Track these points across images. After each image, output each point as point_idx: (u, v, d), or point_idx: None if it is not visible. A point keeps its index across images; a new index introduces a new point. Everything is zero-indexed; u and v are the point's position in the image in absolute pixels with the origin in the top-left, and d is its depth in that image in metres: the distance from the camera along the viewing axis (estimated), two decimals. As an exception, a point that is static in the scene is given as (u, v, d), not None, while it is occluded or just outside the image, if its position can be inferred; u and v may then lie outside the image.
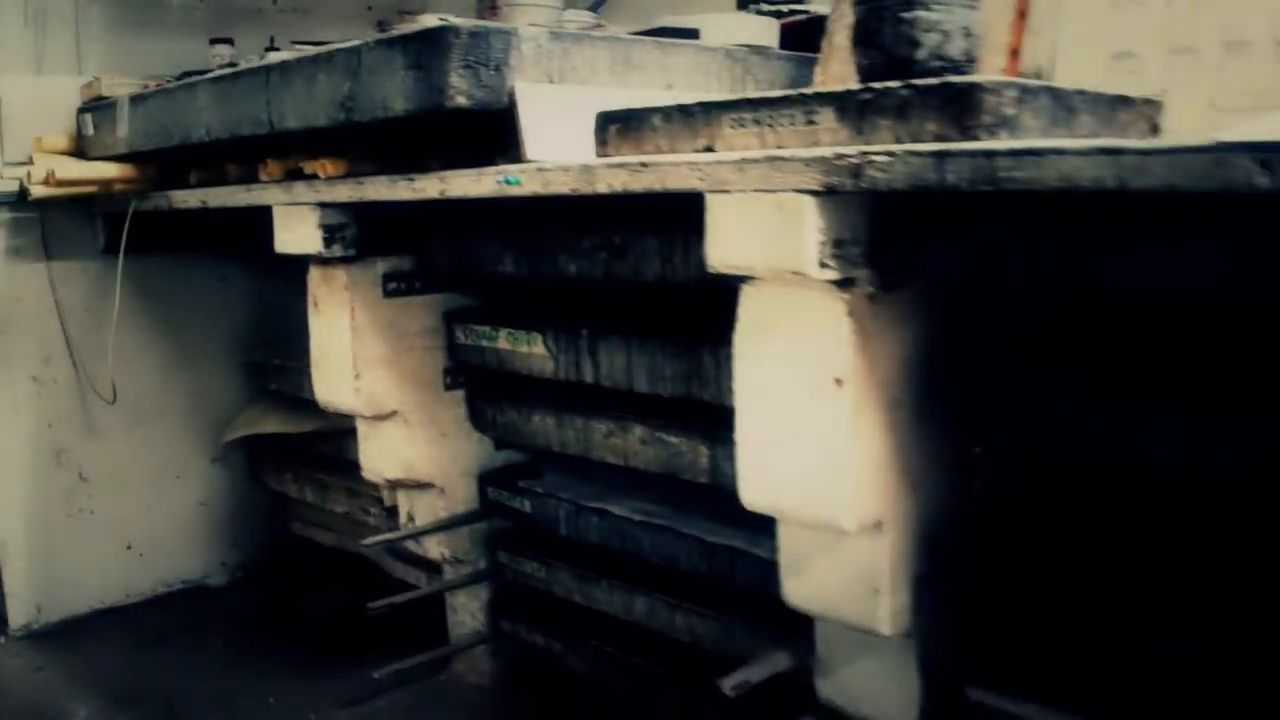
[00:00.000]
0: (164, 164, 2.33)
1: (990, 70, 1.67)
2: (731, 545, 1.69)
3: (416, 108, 1.60)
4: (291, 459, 2.69)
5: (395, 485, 2.12)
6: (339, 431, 2.47)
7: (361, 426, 2.10)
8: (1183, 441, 1.18)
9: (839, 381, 1.27)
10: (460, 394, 2.11)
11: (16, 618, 2.54)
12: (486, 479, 2.12)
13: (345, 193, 1.85)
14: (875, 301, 1.29)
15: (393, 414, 2.04)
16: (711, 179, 1.30)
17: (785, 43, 1.98)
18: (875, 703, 1.49)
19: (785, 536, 1.44)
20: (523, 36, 1.60)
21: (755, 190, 1.26)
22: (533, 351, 1.89)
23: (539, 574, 2.03)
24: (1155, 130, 1.43)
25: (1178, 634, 1.21)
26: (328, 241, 1.93)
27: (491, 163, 1.62)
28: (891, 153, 1.13)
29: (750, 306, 1.34)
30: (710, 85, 1.81)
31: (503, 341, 1.95)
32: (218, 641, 2.48)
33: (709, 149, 1.39)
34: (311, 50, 1.84)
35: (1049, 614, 1.32)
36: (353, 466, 2.20)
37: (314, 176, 1.90)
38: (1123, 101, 1.35)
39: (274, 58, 1.95)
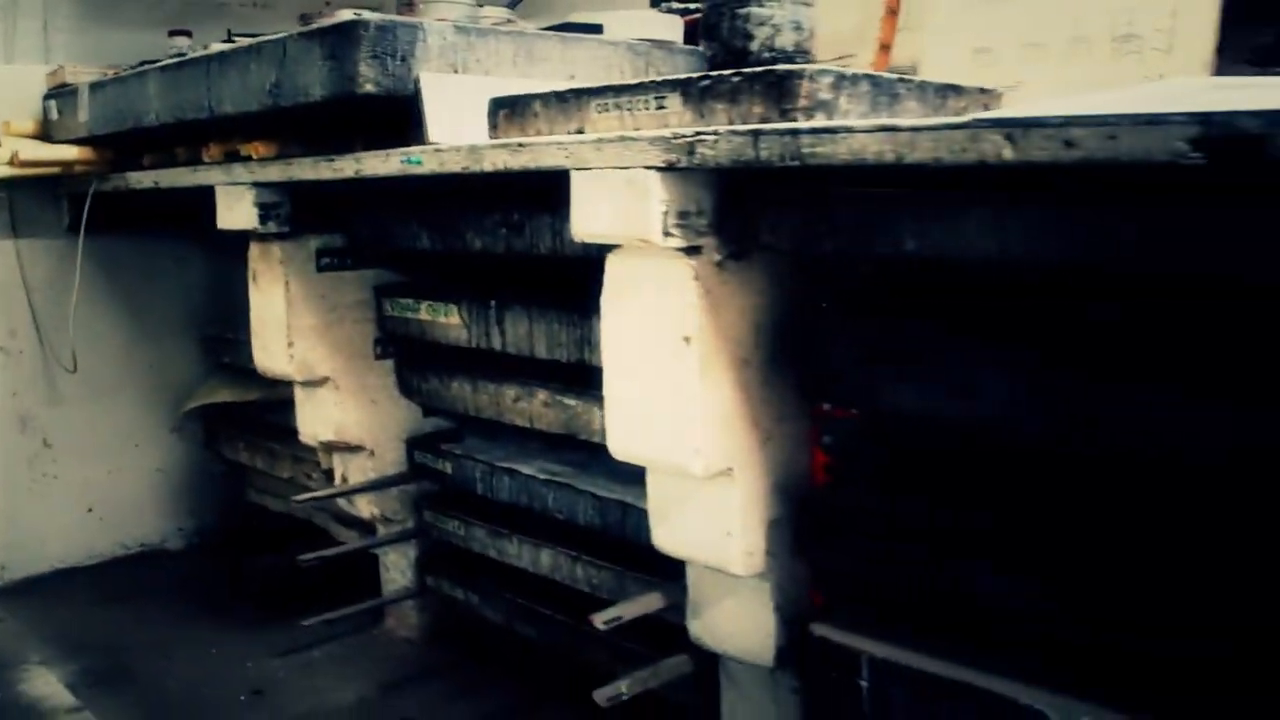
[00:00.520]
0: (121, 147, 2.48)
1: (858, 64, 1.81)
2: (622, 500, 1.83)
3: (332, 94, 1.75)
4: (244, 429, 2.84)
5: (329, 448, 2.27)
6: (286, 402, 2.60)
7: (298, 393, 2.25)
8: (995, 399, 1.31)
9: (687, 340, 1.41)
10: (390, 363, 2.26)
11: (-19, 575, 2.70)
12: (414, 443, 2.26)
13: (276, 172, 2.00)
14: (723, 268, 1.43)
15: (325, 380, 2.19)
16: (575, 157, 1.44)
17: (689, 38, 2.12)
18: (737, 640, 1.62)
19: (652, 485, 1.58)
20: (428, 30, 1.74)
21: (611, 167, 1.40)
22: (449, 322, 2.03)
23: (459, 532, 2.18)
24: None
25: (991, 576, 1.34)
26: (263, 219, 2.08)
27: (404, 144, 1.77)
28: (717, 132, 1.27)
29: (613, 273, 1.48)
30: (612, 76, 1.95)
31: (424, 313, 2.09)
32: (169, 600, 2.63)
33: (580, 131, 1.53)
34: (245, 42, 1.98)
35: (885, 559, 1.45)
36: (298, 435, 2.34)
37: (249, 158, 2.04)
38: (953, 89, 1.49)
39: (214, 48, 2.09)
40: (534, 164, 1.51)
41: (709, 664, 1.72)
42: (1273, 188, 0.97)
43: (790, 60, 1.36)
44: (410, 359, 2.22)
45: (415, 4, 1.91)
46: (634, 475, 1.61)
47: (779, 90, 1.28)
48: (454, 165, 1.63)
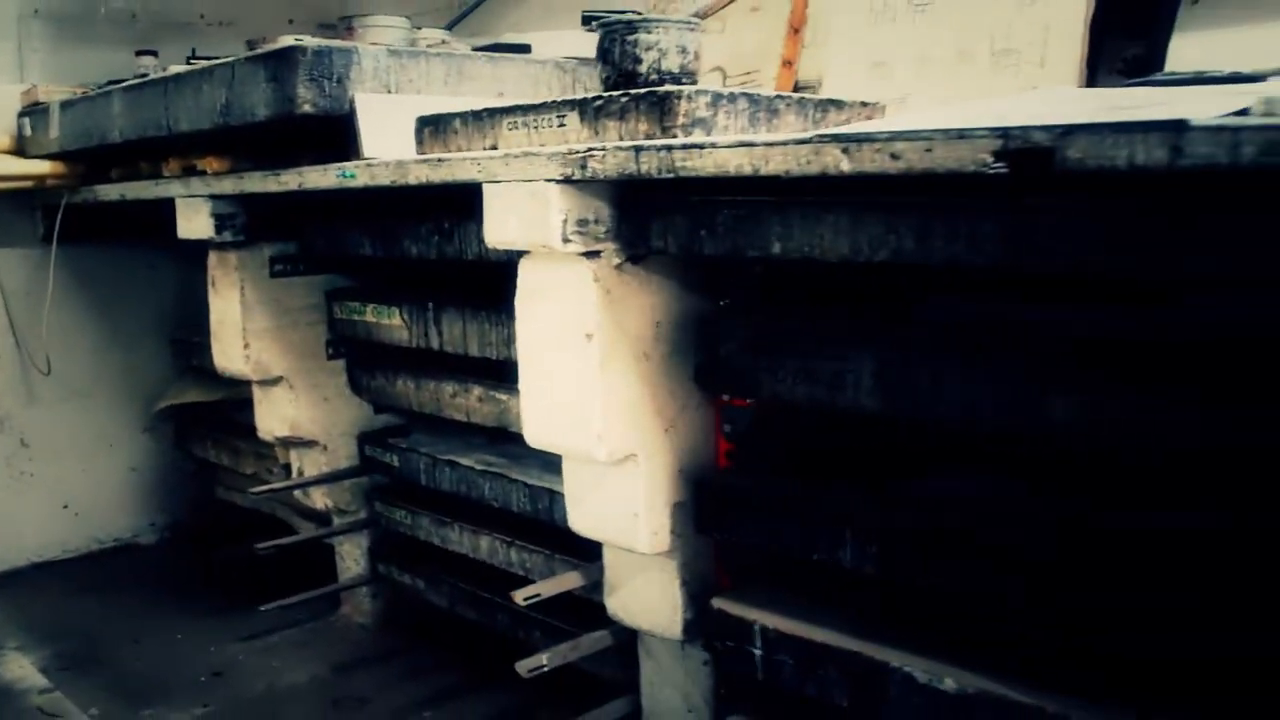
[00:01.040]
0: (90, 162, 2.62)
1: (763, 80, 1.94)
2: (550, 488, 1.96)
3: (274, 114, 1.89)
4: (213, 428, 2.97)
5: (284, 443, 2.40)
6: (250, 401, 2.74)
7: (255, 392, 2.39)
8: (855, 386, 1.44)
9: (589, 336, 1.55)
10: (341, 363, 2.39)
11: (-39, 570, 2.84)
12: (364, 438, 2.40)
13: (229, 186, 2.14)
14: (622, 270, 1.57)
15: (279, 380, 2.33)
16: (487, 171, 1.58)
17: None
18: (648, 615, 1.75)
19: (567, 472, 1.71)
20: (362, 54, 1.88)
21: (516, 180, 1.53)
22: (392, 324, 2.17)
23: (406, 521, 2.31)
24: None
25: (853, 549, 1.47)
26: (219, 229, 2.21)
27: (344, 159, 1.90)
28: (604, 148, 1.41)
29: (524, 276, 1.62)
30: (540, 93, 2.08)
31: (370, 315, 2.22)
32: (140, 591, 2.77)
33: (494, 147, 1.66)
34: (199, 65, 2.12)
35: (772, 536, 1.58)
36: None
37: (204, 172, 2.18)
38: (834, 104, 1.62)
39: (172, 70, 2.23)
40: (452, 177, 1.64)
41: (630, 639, 1.85)
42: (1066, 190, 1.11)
43: (676, 81, 1.50)
44: (359, 359, 2.36)
45: (355, 28, 2.04)
46: (560, 464, 1.75)
47: (661, 109, 1.42)
48: (383, 179, 1.76)
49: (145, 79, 2.30)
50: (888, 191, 1.25)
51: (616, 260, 1.56)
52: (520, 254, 1.62)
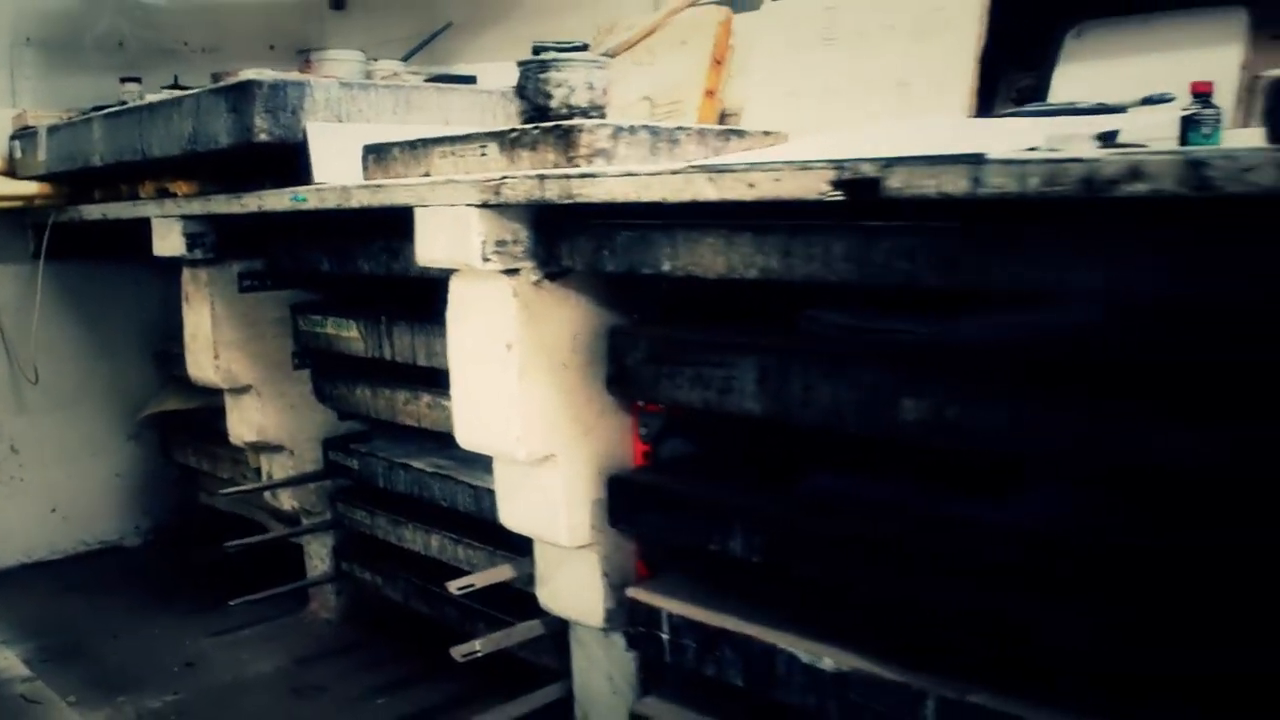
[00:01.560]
0: (75, 183, 2.79)
1: (687, 109, 2.09)
2: (491, 489, 2.09)
3: (235, 141, 2.04)
4: (194, 435, 3.12)
5: (253, 448, 2.56)
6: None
7: (226, 399, 2.54)
8: (739, 391, 1.58)
9: (509, 347, 1.69)
10: (307, 372, 2.54)
11: (-48, 569, 3.00)
12: (328, 443, 2.55)
13: (198, 207, 2.30)
14: (540, 286, 1.71)
15: (248, 388, 2.48)
16: (418, 196, 1.73)
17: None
18: (574, 605, 1.89)
19: (498, 471, 1.86)
20: (315, 86, 2.04)
21: (443, 205, 1.68)
22: (350, 336, 2.32)
23: (366, 521, 2.46)
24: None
25: (743, 539, 1.60)
26: (190, 247, 2.37)
27: (299, 184, 2.06)
28: (514, 176, 1.56)
29: (454, 292, 1.77)
30: (485, 121, 2.23)
31: (330, 328, 2.38)
32: (123, 590, 2.92)
33: (427, 174, 1.81)
34: (171, 95, 2.28)
35: (677, 529, 1.72)
36: (235, 439, 2.63)
37: (176, 195, 2.34)
38: (736, 133, 1.77)
39: (148, 99, 2.39)
40: (389, 201, 1.80)
41: (563, 629, 1.99)
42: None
43: (585, 115, 1.64)
44: (323, 369, 2.51)
45: (312, 61, 2.20)
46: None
47: (565, 141, 1.56)
48: (330, 202, 1.92)
49: (122, 108, 2.46)
50: (773, 215, 1.38)
51: (535, 277, 1.70)
52: (448, 271, 1.77)
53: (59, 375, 3.08)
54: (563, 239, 1.65)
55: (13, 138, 2.92)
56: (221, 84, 2.08)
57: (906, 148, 1.20)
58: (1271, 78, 0.98)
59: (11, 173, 2.92)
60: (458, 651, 1.87)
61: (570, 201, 1.50)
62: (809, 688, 1.52)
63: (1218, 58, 1.71)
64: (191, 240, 2.37)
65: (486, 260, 1.65)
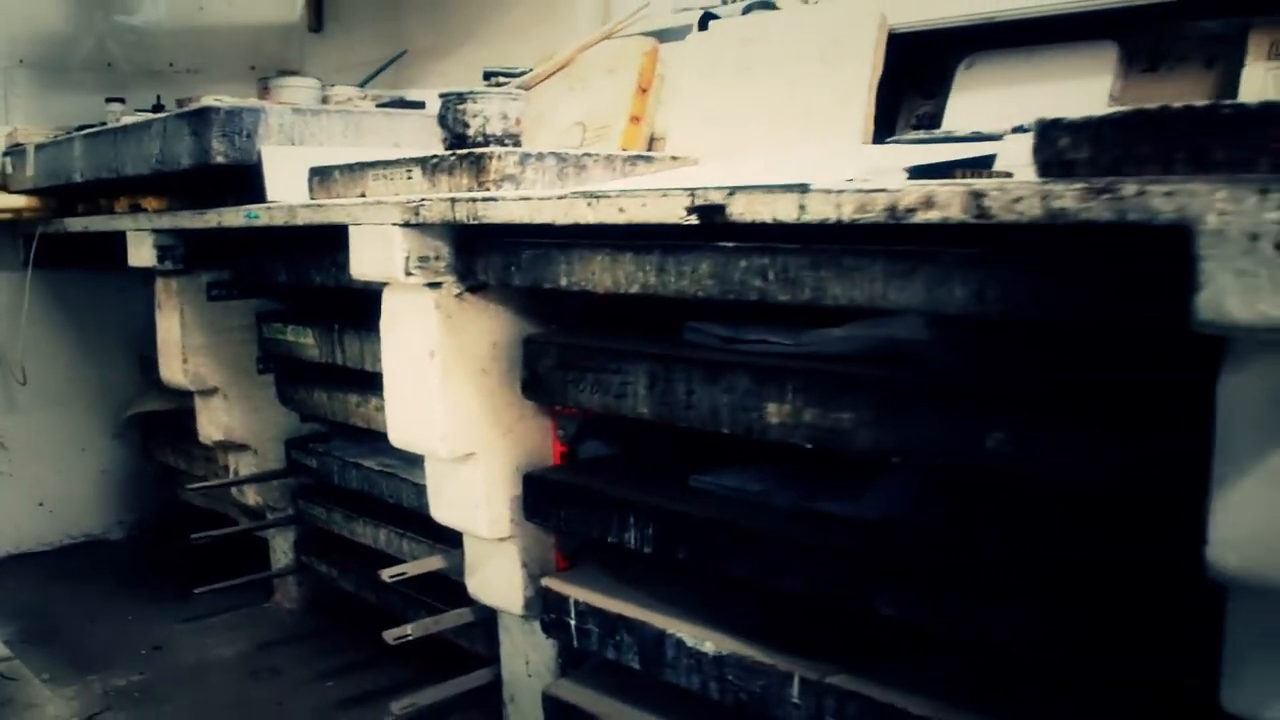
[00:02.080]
0: (60, 198, 2.96)
1: (614, 134, 2.24)
2: (432, 485, 2.26)
3: (195, 162, 2.21)
4: (173, 435, 3.29)
5: (221, 446, 2.72)
6: (203, 411, 3.06)
7: (197, 401, 2.71)
8: (631, 395, 1.73)
9: (432, 354, 1.85)
10: (271, 376, 2.71)
11: (-57, 560, 3.19)
12: (291, 443, 2.71)
13: (166, 221, 2.46)
14: (462, 298, 1.86)
15: (215, 390, 2.64)
16: (351, 215, 1.89)
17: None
18: (497, 594, 2.03)
19: (428, 468, 2.01)
20: (269, 112, 2.20)
21: (372, 223, 1.84)
22: (307, 343, 2.48)
23: (323, 516, 2.61)
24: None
25: (637, 531, 1.75)
26: (161, 258, 2.54)
27: (258, 201, 2.22)
28: (431, 199, 1.71)
29: (386, 303, 1.92)
30: (432, 144, 2.38)
31: (290, 335, 2.54)
32: (103, 580, 3.09)
33: (363, 194, 1.97)
34: (142, 119, 2.45)
35: (584, 523, 1.86)
36: (210, 440, 2.80)
37: (146, 210, 2.51)
38: (643, 158, 1.92)
39: (124, 120, 2.56)
40: (328, 219, 1.96)
41: (494, 617, 2.14)
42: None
43: (500, 143, 1.80)
44: (285, 373, 2.67)
45: (270, 88, 2.37)
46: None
47: (476, 166, 1.72)
48: (279, 219, 2.08)
49: (100, 129, 2.64)
50: (658, 237, 1.52)
51: (456, 290, 1.86)
52: (382, 284, 1.92)
53: (47, 377, 3.26)
54: (478, 256, 1.81)
55: (4, 154, 3.10)
56: (184, 110, 2.25)
57: (775, 176, 1.35)
58: (1040, 120, 1.12)
59: (3, 187, 3.10)
60: (390, 635, 2.03)
61: (476, 222, 1.65)
62: (694, 669, 1.66)
63: (1090, 89, 1.85)
64: (162, 252, 2.53)
65: (409, 274, 1.80)
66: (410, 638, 2.04)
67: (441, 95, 1.83)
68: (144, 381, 3.41)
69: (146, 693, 2.37)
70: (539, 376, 1.85)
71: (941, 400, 1.31)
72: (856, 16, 2.02)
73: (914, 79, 2.13)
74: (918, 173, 1.23)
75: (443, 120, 1.81)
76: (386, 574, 2.04)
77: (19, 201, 3.00)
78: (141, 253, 2.57)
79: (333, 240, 2.22)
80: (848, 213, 1.21)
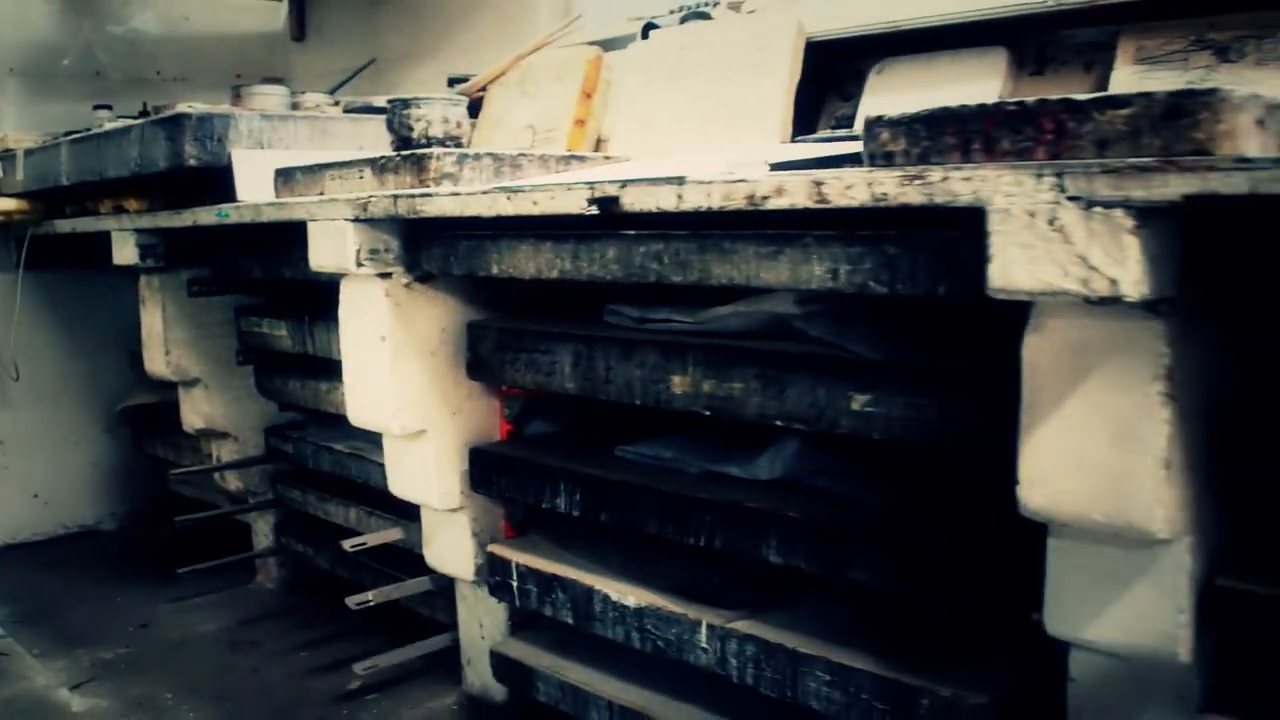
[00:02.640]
0: (48, 200, 3.13)
1: (559, 136, 2.41)
2: (394, 465, 2.42)
3: (170, 166, 2.38)
4: (163, 429, 3.46)
5: (203, 435, 2.89)
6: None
7: (180, 392, 2.88)
8: (560, 374, 1.89)
9: (383, 338, 2.01)
10: (250, 367, 2.87)
11: (-61, 549, 3.36)
12: (269, 431, 2.87)
13: (147, 221, 2.63)
14: (411, 287, 2.03)
15: (197, 381, 2.81)
16: (309, 212, 2.05)
17: (473, 111, 2.72)
18: (451, 562, 2.20)
19: (386, 446, 2.17)
20: (239, 118, 2.37)
21: (326, 219, 2.01)
22: (280, 335, 2.64)
23: (299, 499, 2.78)
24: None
25: (566, 498, 1.91)
26: (143, 256, 2.71)
27: (229, 202, 2.39)
28: (377, 195, 1.88)
29: (344, 293, 2.09)
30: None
31: (266, 328, 2.70)
32: (95, 567, 3.25)
33: (322, 193, 2.14)
34: (122, 125, 2.62)
35: (521, 491, 2.02)
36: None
37: (128, 211, 2.68)
38: (576, 158, 2.08)
39: (106, 127, 2.73)
40: (289, 216, 2.12)
41: (452, 585, 2.30)
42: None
43: (442, 145, 1.96)
44: (262, 364, 2.84)
45: (242, 95, 2.54)
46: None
47: (418, 166, 1.88)
48: (247, 217, 2.25)
49: (85, 134, 2.81)
50: (578, 226, 1.68)
51: (405, 280, 2.02)
52: (339, 275, 2.09)
53: (43, 373, 3.43)
54: (422, 249, 1.97)
55: (-3, 159, 3.27)
56: (160, 116, 2.41)
57: (670, 171, 1.50)
58: (866, 118, 1.27)
59: (-3, 191, 3.28)
60: (352, 601, 2.19)
61: (415, 216, 1.82)
62: (618, 621, 1.82)
63: (983, 91, 2.01)
64: (144, 251, 2.70)
65: (361, 265, 1.97)
66: (371, 603, 2.20)
67: (389, 101, 1.99)
68: (134, 376, 3.57)
69: (131, 664, 2.54)
70: (481, 358, 2.01)
71: (814, 369, 1.47)
72: (776, 25, 2.19)
73: (834, 83, 2.29)
74: (781, 166, 1.39)
75: (390, 124, 1.98)
76: (348, 544, 2.20)
77: (10, 204, 3.17)
78: (125, 251, 2.74)
79: (297, 237, 2.39)
80: (716, 201, 1.37)
